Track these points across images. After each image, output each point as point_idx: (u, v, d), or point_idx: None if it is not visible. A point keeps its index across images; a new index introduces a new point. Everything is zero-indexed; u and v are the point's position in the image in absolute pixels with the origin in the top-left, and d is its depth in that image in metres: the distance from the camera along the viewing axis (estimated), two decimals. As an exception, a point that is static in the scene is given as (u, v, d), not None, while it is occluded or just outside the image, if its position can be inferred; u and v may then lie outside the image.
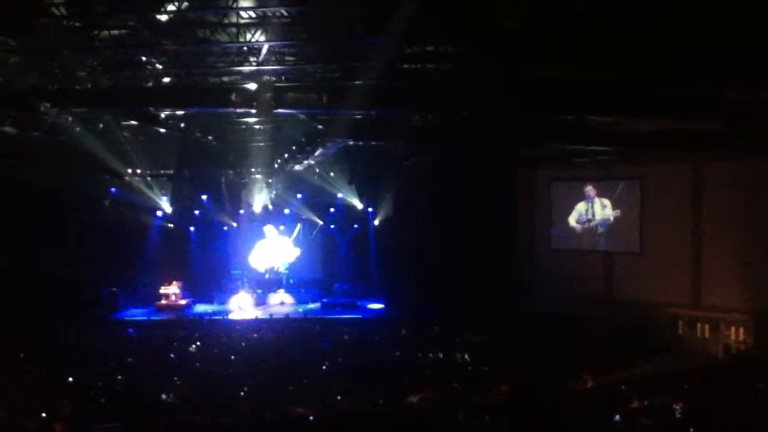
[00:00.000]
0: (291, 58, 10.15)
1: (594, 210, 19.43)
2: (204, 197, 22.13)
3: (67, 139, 14.80)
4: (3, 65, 9.84)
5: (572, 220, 19.81)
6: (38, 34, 8.73)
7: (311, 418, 9.21)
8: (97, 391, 11.10)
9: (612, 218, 19.00)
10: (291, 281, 23.12)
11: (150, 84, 10.96)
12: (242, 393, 11.02)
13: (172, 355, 14.30)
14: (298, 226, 23.48)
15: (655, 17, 7.30)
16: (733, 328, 15.62)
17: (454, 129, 14.64)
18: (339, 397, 10.56)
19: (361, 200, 22.18)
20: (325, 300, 21.99)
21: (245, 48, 9.66)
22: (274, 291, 22.66)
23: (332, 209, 23.13)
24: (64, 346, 15.06)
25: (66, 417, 9.12)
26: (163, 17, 8.60)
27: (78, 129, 14.18)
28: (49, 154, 16.04)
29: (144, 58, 9.93)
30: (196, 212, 22.74)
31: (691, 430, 7.90)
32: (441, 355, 13.99)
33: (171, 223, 22.56)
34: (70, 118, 13.25)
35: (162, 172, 20.14)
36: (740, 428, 7.61)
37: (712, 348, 15.48)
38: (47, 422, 8.75)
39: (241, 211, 22.98)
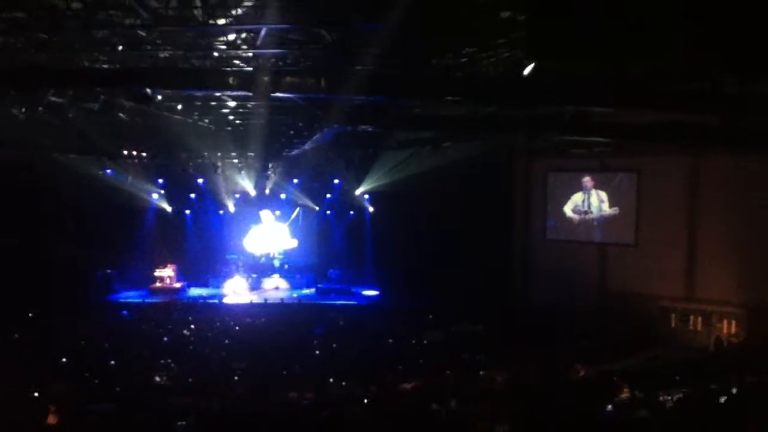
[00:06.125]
0: (289, 42, 10.09)
1: (590, 202, 19.44)
2: (200, 180, 22.08)
3: (62, 120, 14.71)
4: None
5: (568, 210, 19.83)
6: (35, 12, 8.65)
7: (304, 402, 9.25)
8: (91, 372, 11.12)
9: (609, 214, 19.03)
10: (286, 266, 23.14)
11: (147, 65, 10.89)
12: (235, 377, 11.06)
13: (165, 338, 14.33)
14: (297, 210, 23.48)
15: (654, 11, 7.25)
16: (725, 321, 15.71)
17: (454, 118, 14.60)
18: (332, 383, 10.60)
19: (357, 187, 22.16)
20: (319, 286, 22.06)
21: (243, 30, 9.59)
22: (269, 276, 22.70)
23: (329, 195, 23.12)
24: (58, 327, 15.06)
25: (60, 398, 9.13)
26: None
27: (74, 109, 14.08)
28: (44, 134, 15.97)
29: (141, 39, 9.84)
30: (192, 195, 22.70)
31: (682, 421, 7.96)
32: (435, 343, 14.05)
33: (166, 205, 22.54)
34: (65, 98, 13.16)
35: (158, 154, 20.06)
36: (731, 421, 7.66)
37: (704, 340, 15.57)
38: (41, 403, 8.76)
39: (237, 196, 22.95)
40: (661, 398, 8.91)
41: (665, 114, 11.89)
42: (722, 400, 8.54)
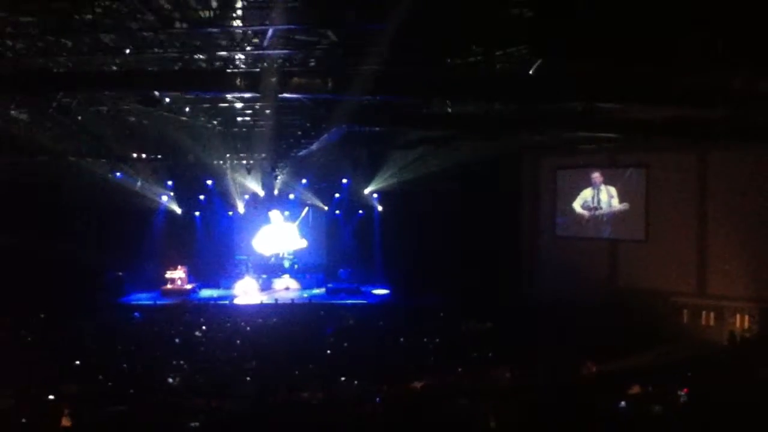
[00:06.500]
0: (296, 43, 10.10)
1: (600, 198, 19.35)
2: (209, 182, 22.14)
3: (72, 123, 14.81)
4: (9, 48, 9.82)
5: (577, 206, 19.75)
6: (43, 15, 8.71)
7: (315, 402, 9.27)
8: (104, 374, 11.18)
9: (619, 209, 18.93)
10: (296, 266, 23.18)
11: (154, 68, 10.94)
12: (247, 377, 11.09)
13: (177, 340, 14.38)
14: (305, 209, 23.51)
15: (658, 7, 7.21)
16: (738, 316, 15.61)
17: (462, 117, 14.58)
18: (343, 382, 10.62)
19: (366, 186, 22.17)
20: (329, 285, 22.08)
21: (250, 32, 9.60)
22: (279, 276, 22.75)
23: (337, 195, 23.13)
24: (70, 329, 15.15)
25: (73, 399, 9.19)
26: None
27: (83, 112, 14.18)
28: (54, 138, 16.07)
29: (148, 42, 9.88)
30: (201, 197, 22.78)
31: (696, 416, 7.93)
32: (445, 342, 14.03)
33: (176, 207, 22.63)
34: (74, 102, 13.25)
35: (167, 156, 20.12)
36: (744, 416, 7.61)
37: (716, 336, 15.46)
38: (54, 405, 8.82)
39: (246, 197, 23.00)
40: (674, 394, 8.87)
41: (673, 109, 11.86)
42: (736, 394, 8.49)
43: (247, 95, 12.38)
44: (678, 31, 7.42)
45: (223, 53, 10.46)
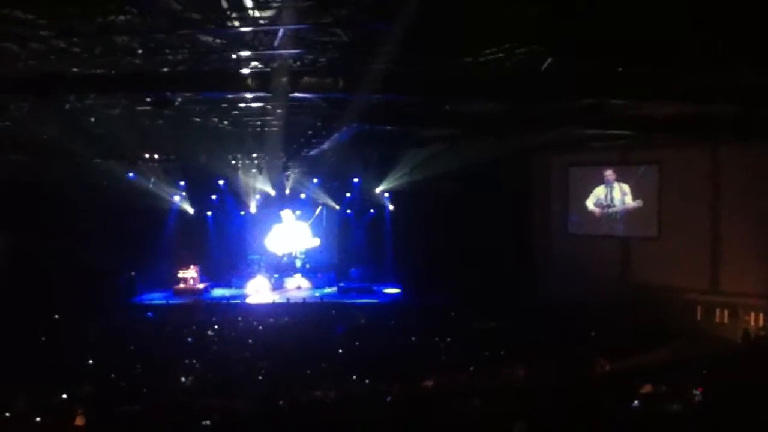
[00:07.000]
0: (307, 42, 10.10)
1: (613, 195, 19.24)
2: (221, 182, 22.22)
3: (85, 125, 14.90)
4: (21, 51, 9.89)
5: (590, 204, 19.65)
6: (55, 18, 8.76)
7: (327, 401, 9.28)
8: (117, 373, 11.25)
9: (632, 206, 18.81)
10: (307, 266, 23.22)
11: (166, 69, 10.97)
12: (259, 376, 11.13)
13: (190, 339, 14.45)
14: (319, 208, 23.53)
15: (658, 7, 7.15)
16: (752, 314, 15.46)
17: (473, 115, 14.55)
18: (355, 381, 10.63)
19: (377, 186, 22.15)
20: (341, 285, 22.11)
21: (261, 32, 9.61)
22: (291, 275, 22.80)
23: (348, 194, 23.13)
24: (83, 330, 15.26)
25: (86, 399, 9.26)
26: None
27: (95, 114, 14.25)
28: (67, 140, 16.17)
29: (160, 43, 9.91)
30: (213, 197, 22.86)
31: (711, 415, 7.87)
32: (457, 341, 14.01)
33: (188, 207, 22.72)
34: (87, 104, 13.32)
35: (178, 157, 20.19)
36: (760, 414, 7.54)
37: (730, 334, 15.31)
38: (68, 405, 8.89)
39: (258, 196, 23.05)
40: (688, 393, 8.81)
41: (684, 106, 11.79)
42: (751, 393, 8.41)
43: (258, 95, 12.40)
44: (678, 31, 7.36)
45: (234, 54, 10.47)
